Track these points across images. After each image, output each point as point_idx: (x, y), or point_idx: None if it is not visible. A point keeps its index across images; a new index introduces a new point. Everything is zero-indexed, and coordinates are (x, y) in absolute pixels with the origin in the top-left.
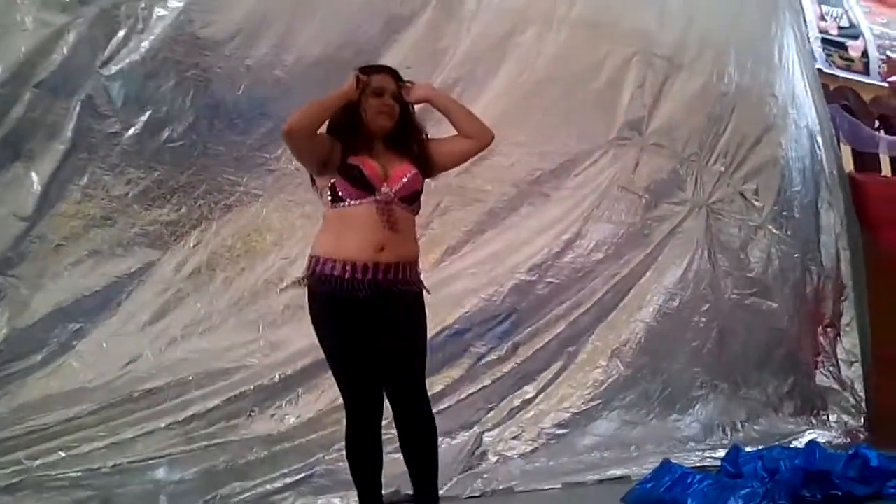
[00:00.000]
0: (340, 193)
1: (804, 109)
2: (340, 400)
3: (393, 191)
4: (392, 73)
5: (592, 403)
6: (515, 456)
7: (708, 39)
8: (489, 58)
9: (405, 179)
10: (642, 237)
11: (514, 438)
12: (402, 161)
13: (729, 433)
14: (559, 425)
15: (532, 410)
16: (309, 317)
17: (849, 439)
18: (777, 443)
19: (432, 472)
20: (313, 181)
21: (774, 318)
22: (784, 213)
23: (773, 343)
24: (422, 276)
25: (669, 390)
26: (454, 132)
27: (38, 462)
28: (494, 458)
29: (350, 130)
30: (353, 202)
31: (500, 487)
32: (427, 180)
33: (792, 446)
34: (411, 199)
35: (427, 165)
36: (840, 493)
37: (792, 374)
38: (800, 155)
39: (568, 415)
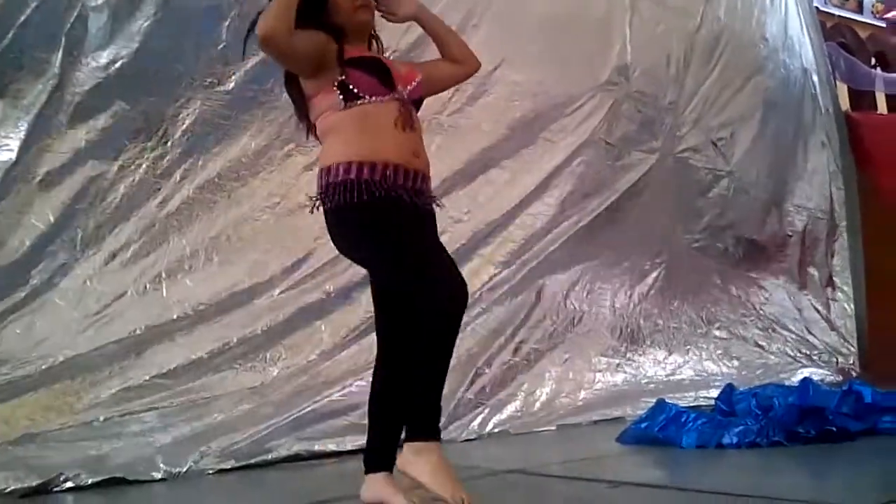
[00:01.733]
0: (356, 90)
1: (798, 50)
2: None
3: (406, 91)
4: None
5: (557, 345)
6: (504, 400)
7: None
8: None
9: (416, 81)
10: (610, 185)
11: (498, 385)
12: (403, 64)
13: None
14: (534, 366)
15: (507, 355)
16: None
17: (841, 377)
18: (769, 381)
19: None
20: (298, 101)
21: (725, 259)
22: (759, 159)
23: (724, 284)
24: None
25: (629, 330)
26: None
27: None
28: (487, 403)
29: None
30: (374, 98)
31: (497, 430)
32: None
33: (786, 384)
34: (419, 105)
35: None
36: (834, 429)
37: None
38: (788, 99)
39: (539, 357)
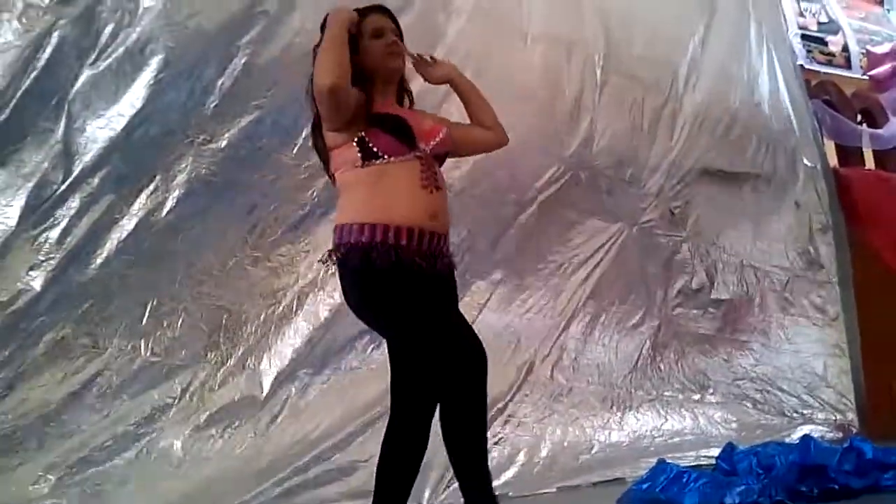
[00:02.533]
0: (375, 148)
1: (770, 114)
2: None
3: (429, 147)
4: (384, 10)
5: (547, 416)
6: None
7: (671, 56)
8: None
9: (440, 136)
10: (574, 255)
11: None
12: (428, 119)
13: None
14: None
15: (497, 427)
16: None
17: (841, 433)
18: (770, 439)
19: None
20: (322, 151)
21: (708, 323)
22: (718, 223)
23: (711, 348)
24: None
25: (621, 400)
26: None
27: None
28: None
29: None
30: (393, 158)
31: (496, 493)
32: None
33: (786, 442)
34: (442, 160)
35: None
36: (837, 487)
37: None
38: (756, 164)
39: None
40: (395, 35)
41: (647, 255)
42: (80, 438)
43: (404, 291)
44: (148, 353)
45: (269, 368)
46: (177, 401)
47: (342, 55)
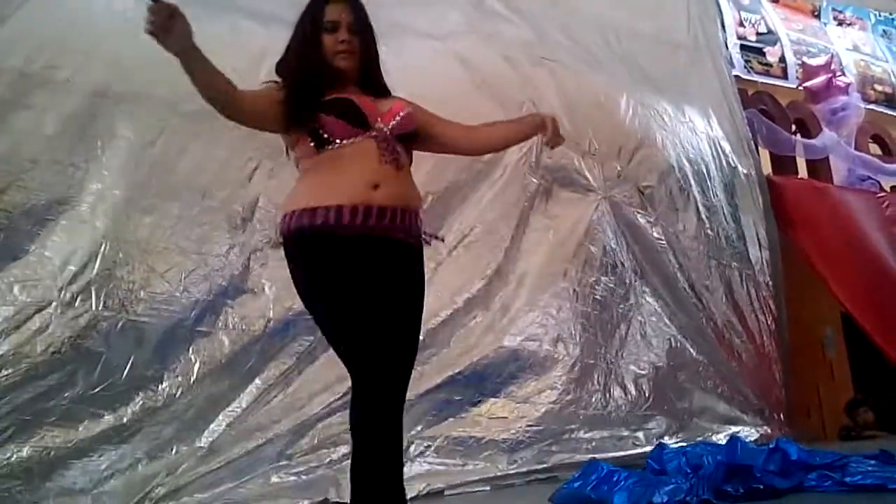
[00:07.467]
0: (328, 135)
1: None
2: None
3: (388, 127)
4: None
5: None
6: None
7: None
8: None
9: (401, 115)
10: (548, 224)
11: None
12: (391, 100)
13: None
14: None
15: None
16: None
17: (769, 433)
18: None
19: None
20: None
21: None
22: (679, 213)
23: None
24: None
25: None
26: None
27: None
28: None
29: (316, 70)
30: (346, 141)
31: (426, 491)
32: None
33: (714, 442)
34: (408, 138)
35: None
36: (762, 487)
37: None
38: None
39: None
40: (353, 30)
41: (626, 225)
42: None
43: (336, 277)
44: None
45: None
46: None
47: (195, 71)
